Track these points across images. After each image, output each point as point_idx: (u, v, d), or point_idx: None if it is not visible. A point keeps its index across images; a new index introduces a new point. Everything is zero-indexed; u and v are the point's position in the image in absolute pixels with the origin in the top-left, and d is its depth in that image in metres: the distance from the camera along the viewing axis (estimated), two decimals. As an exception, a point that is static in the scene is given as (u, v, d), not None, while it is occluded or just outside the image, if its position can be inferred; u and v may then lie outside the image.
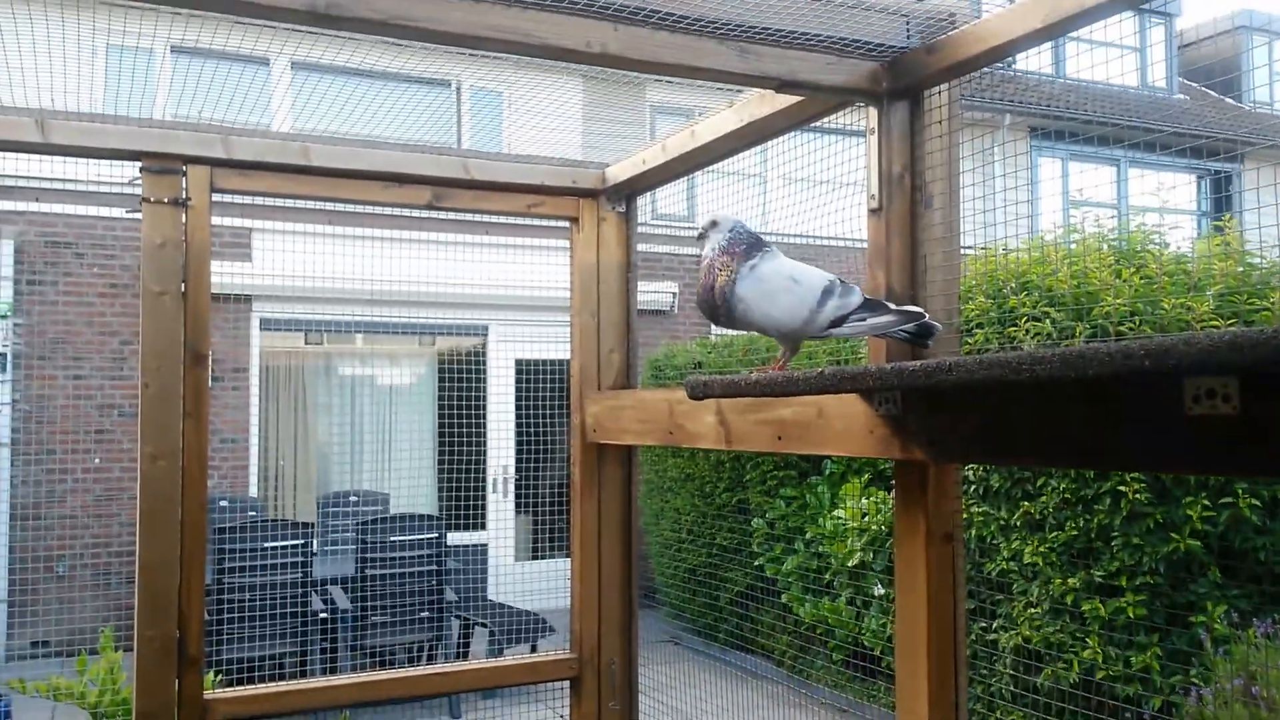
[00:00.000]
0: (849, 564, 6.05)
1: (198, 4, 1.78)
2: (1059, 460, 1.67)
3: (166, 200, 2.75)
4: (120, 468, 8.46)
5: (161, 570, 2.68)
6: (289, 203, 3.17)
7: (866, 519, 6.03)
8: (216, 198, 2.81)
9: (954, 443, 1.81)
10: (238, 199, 3.02)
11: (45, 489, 8.31)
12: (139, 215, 2.79)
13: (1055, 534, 4.63)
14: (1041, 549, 4.70)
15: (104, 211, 8.42)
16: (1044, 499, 4.67)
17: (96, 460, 8.43)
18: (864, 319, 1.96)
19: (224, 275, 7.85)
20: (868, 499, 6.11)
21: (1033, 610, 4.80)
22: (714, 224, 2.10)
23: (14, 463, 8.22)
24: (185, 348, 2.76)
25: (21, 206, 8.38)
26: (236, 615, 5.94)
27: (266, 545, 6.05)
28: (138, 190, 2.79)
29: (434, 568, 6.48)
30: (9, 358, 8.21)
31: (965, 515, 4.81)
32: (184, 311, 2.76)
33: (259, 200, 3.22)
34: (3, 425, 8.19)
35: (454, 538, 7.59)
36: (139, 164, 2.77)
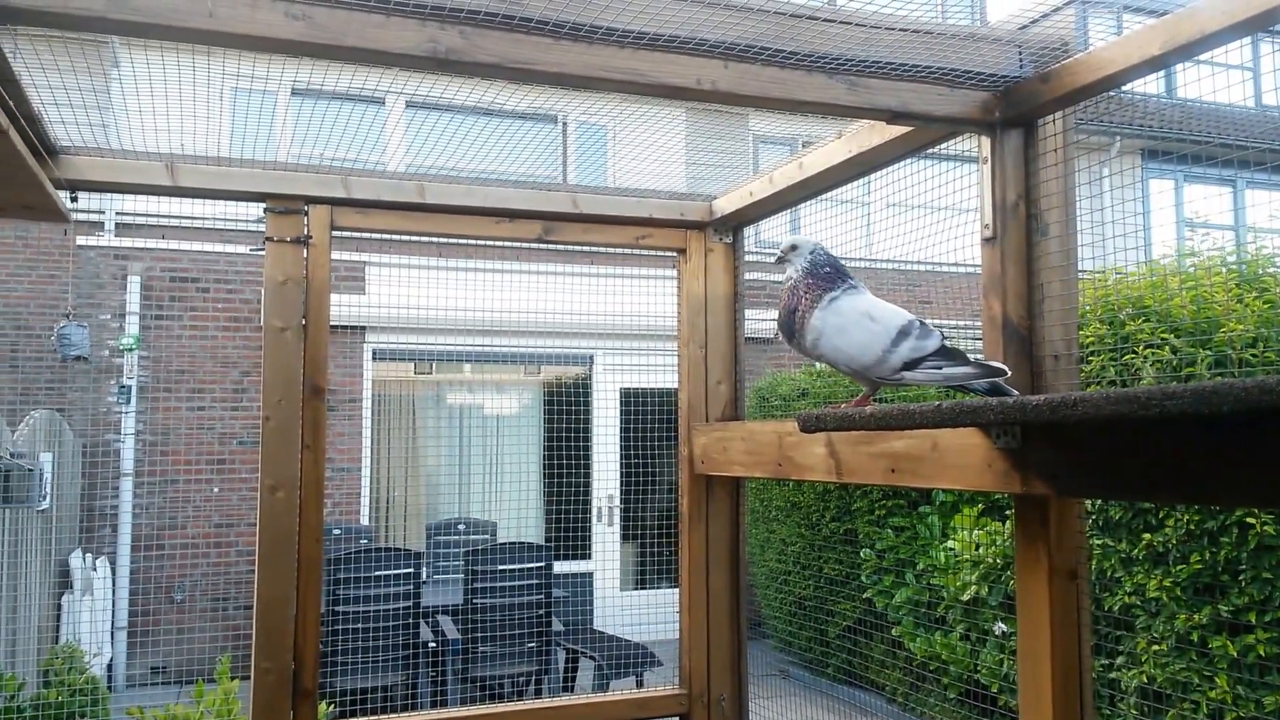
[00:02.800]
0: (963, 598, 5.90)
1: (336, 55, 1.86)
2: (1189, 497, 1.61)
3: (289, 239, 2.86)
4: (238, 496, 8.76)
5: (279, 603, 2.76)
6: (403, 237, 3.26)
7: (980, 551, 5.87)
8: (335, 235, 2.91)
9: (1077, 477, 1.76)
10: (354, 234, 3.12)
11: (166, 517, 8.65)
12: (262, 252, 2.90)
13: (1179, 567, 4.44)
14: (1165, 583, 4.51)
15: (226, 247, 8.78)
16: (1166, 531, 4.49)
17: (216, 489, 8.74)
18: (939, 367, 1.90)
19: (339, 307, 8.11)
20: (981, 530, 5.96)
21: (1156, 647, 4.60)
22: (794, 248, 2.10)
23: (136, 492, 8.58)
24: (304, 381, 2.85)
25: (148, 244, 8.80)
26: (348, 645, 6.06)
27: (377, 574, 6.18)
28: (250, 228, 2.91)
29: (541, 597, 6.53)
30: (134, 389, 8.59)
31: (1087, 550, 4.64)
32: (304, 346, 2.85)
33: (374, 235, 3.33)
34: (127, 455, 8.56)
35: (560, 567, 7.64)
36: (263, 205, 2.88)
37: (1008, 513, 5.89)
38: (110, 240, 8.76)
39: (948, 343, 1.96)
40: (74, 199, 2.98)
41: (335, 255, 2.93)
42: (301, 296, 2.86)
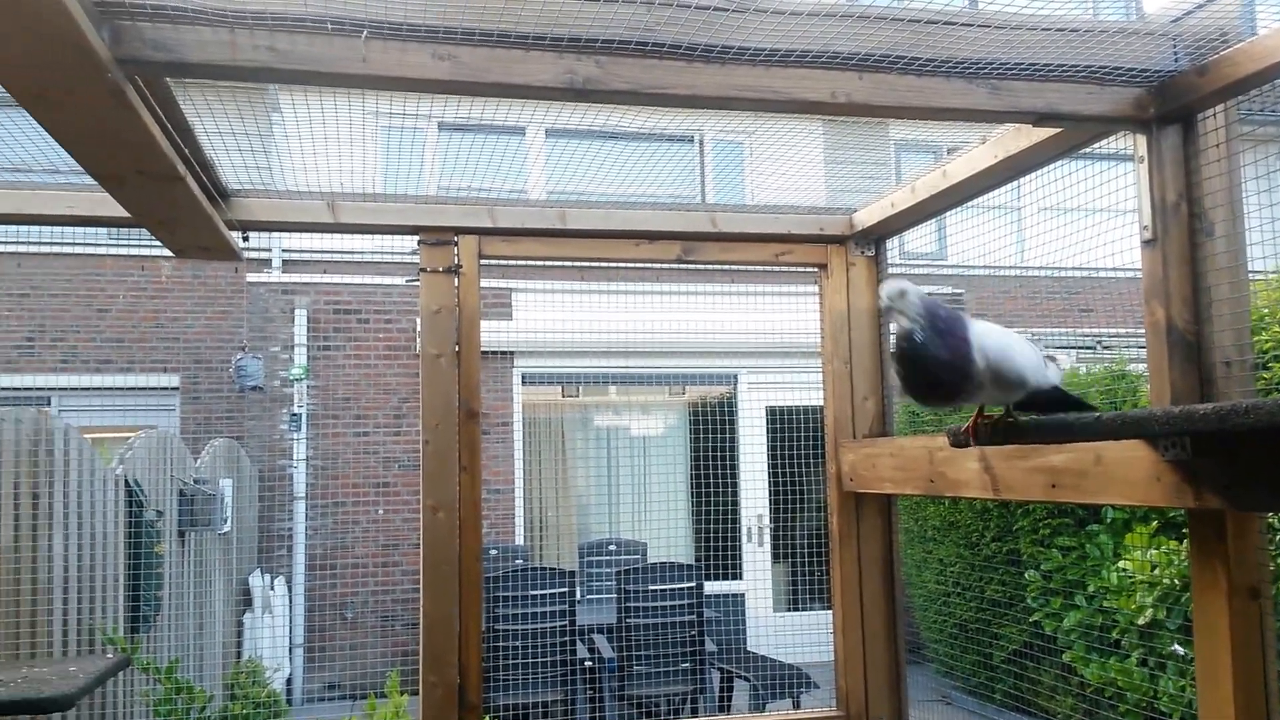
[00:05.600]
0: (1139, 621, 5.59)
1: (480, 91, 1.92)
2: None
3: (441, 269, 2.96)
4: (401, 518, 9.08)
5: (443, 620, 2.85)
6: (546, 262, 3.33)
7: (1156, 572, 5.56)
8: (483, 263, 3.01)
9: (1253, 490, 1.65)
10: (501, 262, 3.22)
11: (336, 538, 9.04)
12: (418, 283, 3.02)
13: (1382, 588, 4.10)
14: (1365, 605, 4.17)
15: (382, 279, 9.16)
16: (1366, 549, 4.15)
17: (381, 511, 9.09)
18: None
19: (488, 334, 8.34)
20: (1156, 550, 5.64)
21: (1358, 675, 4.26)
22: (902, 294, 1.82)
23: (309, 514, 9.00)
24: (460, 405, 2.95)
25: (312, 278, 9.26)
26: (508, 661, 6.19)
27: (533, 593, 6.29)
28: (405, 260, 3.04)
29: (693, 617, 6.52)
30: (304, 417, 9.03)
31: (1271, 567, 4.32)
32: (457, 372, 2.95)
33: (520, 262, 3.42)
34: (299, 480, 9.00)
35: (711, 587, 7.61)
36: (417, 238, 3.00)
37: (1184, 531, 5.56)
38: (278, 276, 9.25)
39: None
40: (245, 238, 3.17)
41: (483, 283, 3.02)
42: (454, 324, 2.96)
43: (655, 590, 6.50)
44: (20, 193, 2.95)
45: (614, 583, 6.73)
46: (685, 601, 6.51)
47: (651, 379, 9.72)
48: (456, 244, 2.96)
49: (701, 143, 9.62)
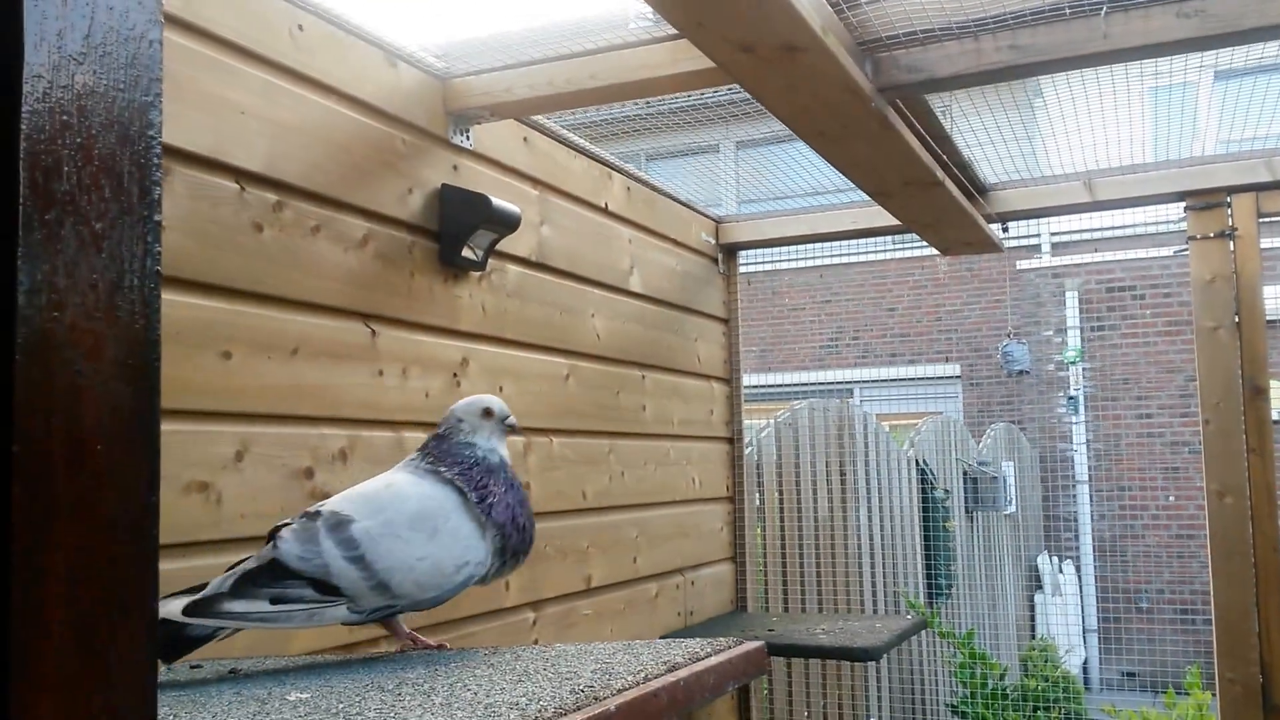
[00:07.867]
0: None
1: (1231, 41, 1.81)
2: None
3: (1212, 234, 2.78)
4: (1194, 505, 8.41)
5: (1238, 613, 2.67)
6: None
7: None
8: (1264, 222, 2.74)
9: None
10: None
11: (1122, 524, 8.70)
12: (1187, 251, 2.87)
13: None
14: None
15: (1155, 252, 8.60)
16: None
17: (1170, 498, 8.54)
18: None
19: (1276, 300, 7.35)
20: None
21: None
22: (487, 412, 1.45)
23: (1092, 498, 8.80)
24: (1243, 381, 2.73)
25: (1081, 259, 9.06)
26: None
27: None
28: (1183, 228, 2.88)
29: None
30: (1081, 400, 8.87)
31: None
32: (1239, 345, 2.73)
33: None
34: (1080, 463, 8.85)
35: None
36: (1183, 203, 2.85)
37: None
38: (1046, 261, 9.24)
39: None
40: (1005, 229, 3.31)
41: (1266, 243, 2.75)
42: (1231, 293, 2.75)
43: None
44: (813, 215, 3.47)
45: None
46: None
47: None
48: (1229, 205, 2.74)
49: None
